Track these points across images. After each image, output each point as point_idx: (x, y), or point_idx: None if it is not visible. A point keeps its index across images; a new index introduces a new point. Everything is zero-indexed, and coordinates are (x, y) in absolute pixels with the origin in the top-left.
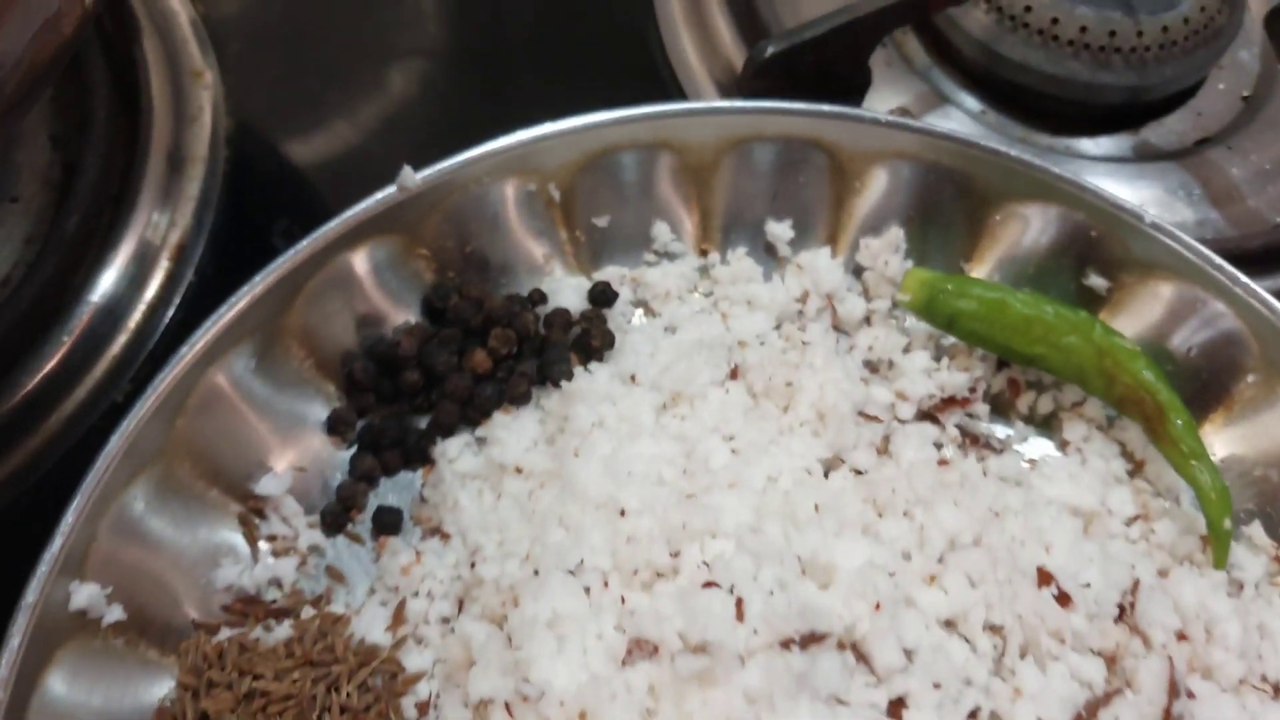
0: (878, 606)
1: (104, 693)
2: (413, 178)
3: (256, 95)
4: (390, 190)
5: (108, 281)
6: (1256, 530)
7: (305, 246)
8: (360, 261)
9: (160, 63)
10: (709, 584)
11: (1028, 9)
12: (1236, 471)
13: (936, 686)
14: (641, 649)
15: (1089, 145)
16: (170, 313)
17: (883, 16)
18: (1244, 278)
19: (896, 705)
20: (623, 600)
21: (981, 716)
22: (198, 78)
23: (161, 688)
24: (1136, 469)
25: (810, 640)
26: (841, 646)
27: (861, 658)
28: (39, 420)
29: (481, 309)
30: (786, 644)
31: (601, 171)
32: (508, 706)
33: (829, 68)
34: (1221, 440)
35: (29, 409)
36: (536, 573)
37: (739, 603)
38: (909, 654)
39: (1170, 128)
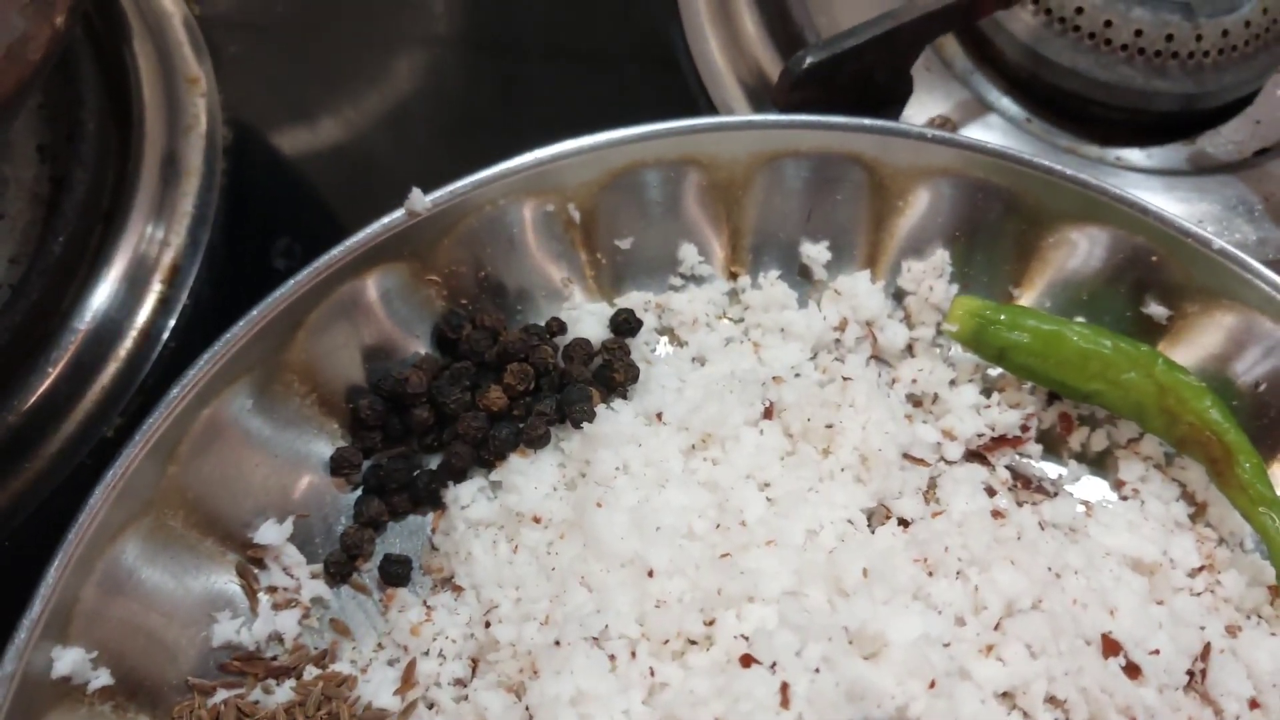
0: (932, 684)
1: None
2: (423, 201)
3: (256, 102)
4: (398, 214)
5: (97, 306)
6: None
7: (306, 276)
8: (367, 291)
9: (153, 68)
10: (747, 658)
11: (1079, 10)
12: None
13: None
14: None
15: (1141, 157)
16: (164, 339)
17: (928, 22)
18: None
19: None
20: (652, 672)
21: None
22: (193, 84)
23: None
24: (1198, 511)
25: None
26: None
27: None
28: (22, 458)
29: (496, 341)
30: None
31: (624, 190)
32: None
33: (869, 77)
34: None
35: (12, 445)
36: (558, 642)
37: (784, 687)
38: None
39: (1227, 137)
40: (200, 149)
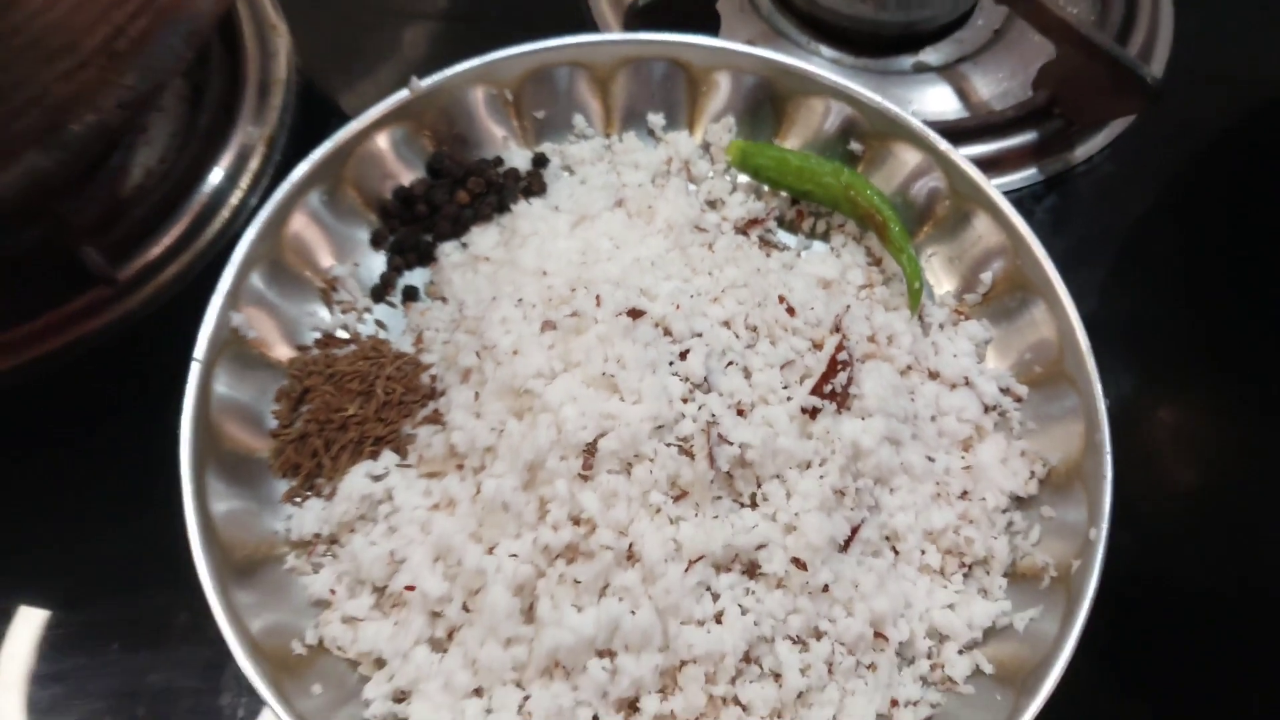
0: (678, 306)
1: (249, 389)
2: (418, 84)
3: (317, 39)
4: (403, 93)
5: (216, 176)
6: (948, 297)
7: (345, 131)
8: (383, 140)
9: (249, 19)
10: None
11: None
12: (941, 261)
13: (708, 345)
14: (548, 324)
15: (882, 63)
16: (252, 204)
17: None
18: (932, 133)
19: (685, 354)
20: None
21: (737, 365)
22: (274, 29)
23: (279, 379)
24: (875, 262)
25: (635, 314)
26: (656, 325)
27: (667, 331)
28: (149, 281)
29: (462, 167)
30: (619, 315)
31: (539, 81)
32: (466, 372)
33: (689, 12)
34: (931, 242)
35: (146, 271)
36: (495, 298)
37: (597, 297)
38: (699, 335)
39: (941, 51)
40: (283, 67)
